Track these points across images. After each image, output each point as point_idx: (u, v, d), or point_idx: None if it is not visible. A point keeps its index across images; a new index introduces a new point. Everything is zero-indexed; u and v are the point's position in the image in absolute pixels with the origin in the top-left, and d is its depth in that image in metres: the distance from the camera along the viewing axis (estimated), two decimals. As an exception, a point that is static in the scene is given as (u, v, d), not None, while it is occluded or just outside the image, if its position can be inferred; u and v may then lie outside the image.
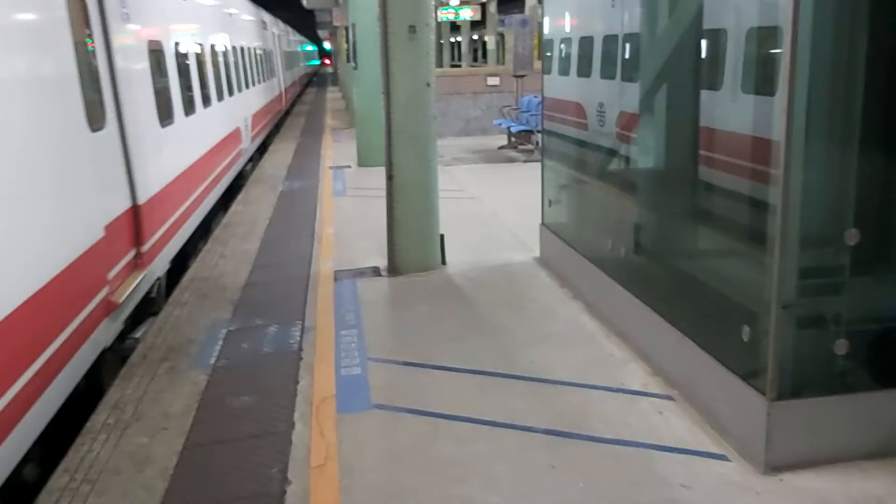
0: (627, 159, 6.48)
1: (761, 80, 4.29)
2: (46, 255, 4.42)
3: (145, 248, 6.33)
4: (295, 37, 42.99)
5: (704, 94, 5.05)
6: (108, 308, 5.33)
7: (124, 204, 6.01)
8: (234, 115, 12.79)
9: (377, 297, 6.71)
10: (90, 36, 5.62)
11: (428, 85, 6.98)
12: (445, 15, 27.95)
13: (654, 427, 4.32)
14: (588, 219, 6.84)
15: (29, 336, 4.10)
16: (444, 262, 7.45)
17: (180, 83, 8.49)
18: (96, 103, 5.58)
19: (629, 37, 6.20)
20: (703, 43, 5.04)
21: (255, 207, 10.75)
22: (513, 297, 6.54)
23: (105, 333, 5.32)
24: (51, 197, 4.59)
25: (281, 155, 16.35)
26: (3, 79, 4.09)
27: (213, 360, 5.46)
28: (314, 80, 61.43)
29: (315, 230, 9.18)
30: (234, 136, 12.43)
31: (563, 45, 8.23)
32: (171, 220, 7.42)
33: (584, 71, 7.57)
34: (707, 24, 4.91)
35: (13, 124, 4.15)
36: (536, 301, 6.42)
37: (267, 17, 23.27)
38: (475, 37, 52.96)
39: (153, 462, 4.17)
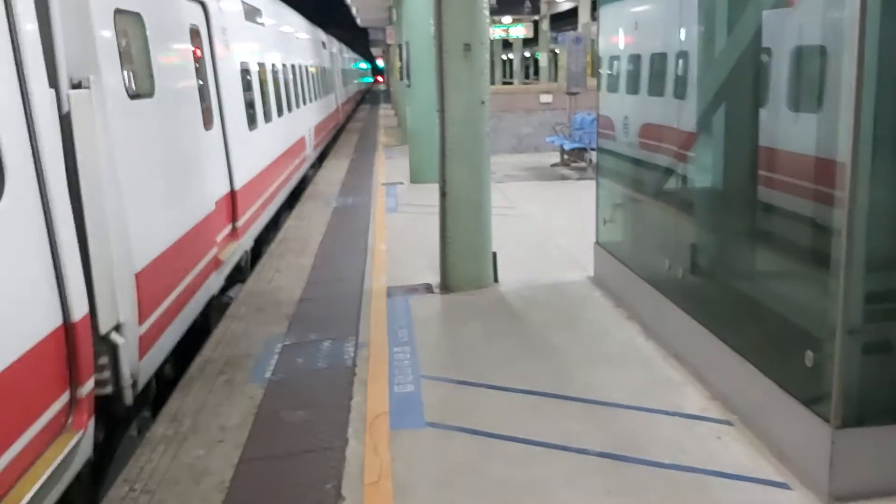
0: (684, 178, 6.40)
1: (822, 98, 4.20)
2: (186, 214, 6.03)
3: (239, 223, 7.98)
4: (349, 54, 43.66)
5: (765, 113, 4.96)
6: (216, 264, 6.89)
7: (226, 188, 7.67)
8: (300, 125, 14.69)
9: (430, 315, 6.73)
10: (201, 59, 7.26)
11: (482, 103, 7.02)
12: (498, 33, 28.06)
13: (712, 453, 4.23)
14: (644, 238, 6.76)
15: (177, 265, 5.66)
16: (496, 280, 7.44)
17: (262, 96, 10.36)
18: (208, 109, 7.21)
19: (685, 54, 6.15)
20: (763, 60, 4.96)
21: (309, 223, 10.90)
22: (566, 317, 6.49)
23: (214, 282, 6.81)
24: (191, 175, 6.29)
25: (335, 171, 16.57)
26: (166, 92, 5.65)
27: (268, 375, 5.54)
28: (367, 98, 62.17)
29: (368, 246, 9.27)
30: (300, 143, 14.34)
31: (619, 63, 8.19)
32: (256, 205, 9.11)
33: (639, 88, 7.52)
34: (767, 42, 4.83)
35: (171, 124, 5.88)
36: (591, 321, 6.36)
37: (325, 37, 25.04)
38: (527, 54, 53.04)
39: (210, 474, 4.24)
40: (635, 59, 7.76)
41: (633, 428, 4.55)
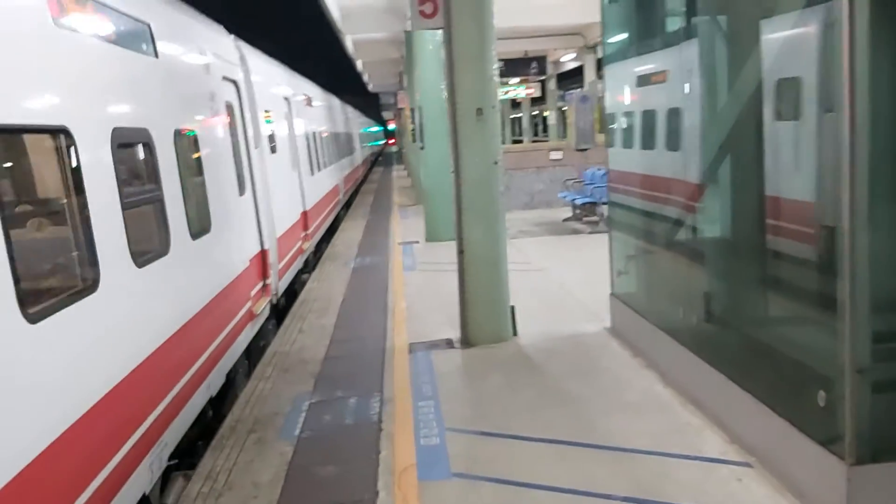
0: (694, 229, 6.59)
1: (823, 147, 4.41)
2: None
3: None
4: (362, 119, 44.65)
5: (769, 164, 5.17)
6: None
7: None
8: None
9: (452, 369, 6.89)
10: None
11: (495, 163, 7.30)
12: (506, 94, 28.68)
13: (733, 494, 4.33)
14: (658, 288, 6.93)
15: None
16: (515, 333, 7.61)
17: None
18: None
19: (692, 109, 6.41)
20: (764, 113, 5.19)
21: (329, 284, 11.14)
22: (586, 367, 6.63)
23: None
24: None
25: (351, 233, 16.90)
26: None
27: (297, 432, 5.70)
28: (380, 160, 63.12)
29: (388, 304, 9.47)
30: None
31: (627, 118, 8.48)
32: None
33: (647, 143, 7.79)
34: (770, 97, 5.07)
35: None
36: (609, 370, 6.50)
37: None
38: (535, 112, 53.91)
39: (246, 529, 4.38)
40: (643, 114, 8.05)
41: (656, 472, 4.66)
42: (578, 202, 15.15)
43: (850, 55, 3.49)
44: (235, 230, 7.39)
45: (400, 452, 5.21)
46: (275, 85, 11.50)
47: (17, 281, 3.31)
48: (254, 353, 7.86)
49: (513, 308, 7.62)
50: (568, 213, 15.93)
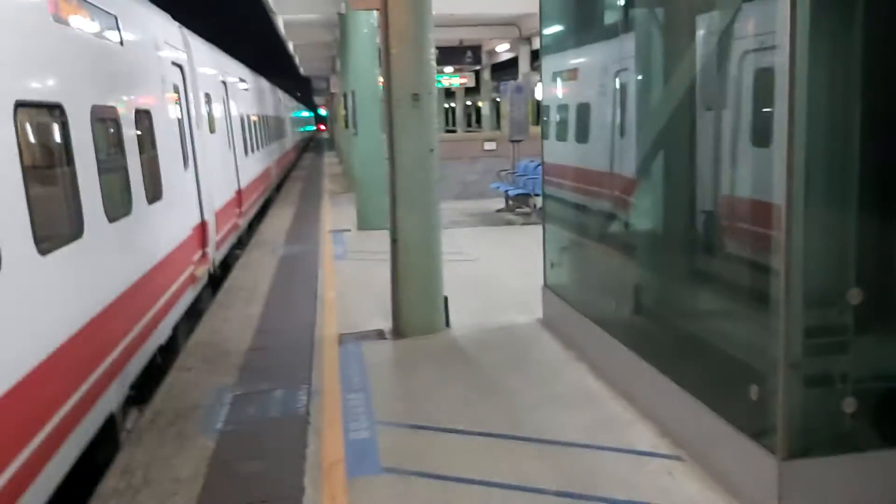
0: (627, 222, 6.61)
1: (759, 143, 4.43)
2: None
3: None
4: (292, 103, 43.96)
5: (701, 157, 5.19)
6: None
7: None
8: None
9: (382, 360, 6.74)
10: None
11: (431, 150, 7.15)
12: (440, 82, 28.56)
13: (664, 488, 4.32)
14: (591, 280, 6.92)
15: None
16: (447, 325, 7.51)
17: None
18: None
19: (626, 102, 6.40)
20: (698, 106, 5.20)
21: (256, 272, 10.82)
22: (518, 359, 6.57)
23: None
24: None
25: (280, 220, 16.51)
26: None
27: (220, 426, 5.46)
28: (310, 146, 62.20)
29: (317, 294, 9.24)
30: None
31: (562, 111, 8.46)
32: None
33: (581, 136, 7.78)
34: (703, 88, 5.07)
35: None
36: (541, 362, 6.46)
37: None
38: (468, 102, 53.98)
39: (163, 529, 4.15)
40: (578, 107, 8.03)
41: (587, 466, 4.62)
42: (511, 193, 15.15)
43: (791, 47, 3.47)
44: (181, 201, 8.22)
45: (328, 447, 5.05)
46: (214, 69, 12.10)
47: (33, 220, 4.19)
48: (193, 317, 8.52)
49: (446, 299, 7.51)
50: (501, 203, 15.93)
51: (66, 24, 5.15)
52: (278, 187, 23.78)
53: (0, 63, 4.13)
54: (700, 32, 5.18)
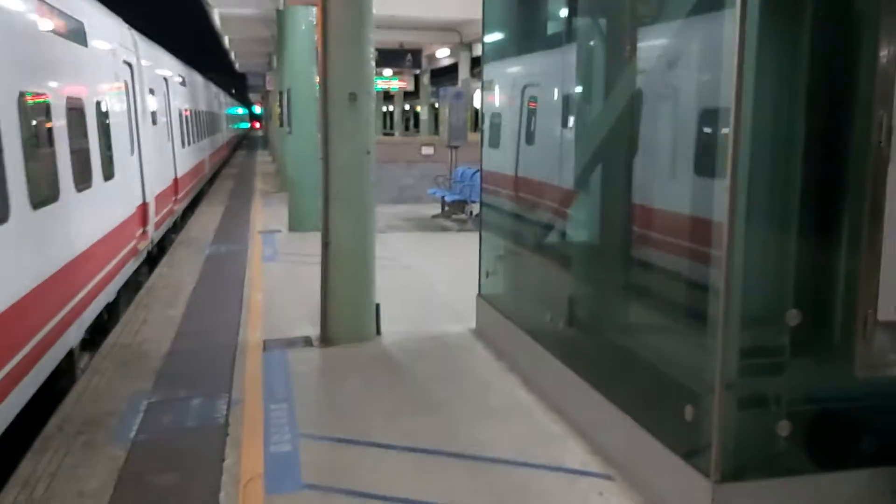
0: (563, 233, 6.54)
1: (702, 161, 4.38)
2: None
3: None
4: (226, 99, 43.13)
5: (639, 172, 5.14)
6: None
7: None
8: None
9: (309, 369, 6.48)
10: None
11: (367, 153, 6.94)
12: (379, 85, 28.31)
13: (595, 509, 4.22)
14: (525, 291, 6.82)
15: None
16: (378, 333, 7.29)
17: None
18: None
19: (564, 114, 6.34)
20: (637, 120, 5.15)
21: (180, 272, 10.40)
22: (449, 370, 6.41)
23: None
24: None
25: (208, 218, 16.00)
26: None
27: (132, 435, 5.14)
28: (244, 143, 61.02)
29: (243, 297, 8.91)
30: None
31: (501, 118, 8.36)
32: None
33: (521, 145, 7.69)
34: (648, 104, 5.02)
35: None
36: (473, 374, 6.31)
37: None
38: (407, 107, 53.79)
39: (62, 549, 3.83)
40: (518, 115, 7.95)
41: (517, 485, 4.48)
42: (448, 199, 15.03)
43: (739, 64, 3.41)
44: (128, 182, 9.48)
45: (247, 460, 4.78)
46: (157, 67, 13.51)
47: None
48: (130, 290, 9.44)
49: (378, 306, 7.30)
50: (437, 209, 15.79)
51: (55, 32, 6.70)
52: (211, 180, 24.10)
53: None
54: (641, 45, 5.14)
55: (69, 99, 6.84)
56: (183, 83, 17.75)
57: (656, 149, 5.03)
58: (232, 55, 35.31)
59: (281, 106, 16.01)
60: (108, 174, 8.26)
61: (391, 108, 48.67)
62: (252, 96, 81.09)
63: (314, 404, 5.72)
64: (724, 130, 3.54)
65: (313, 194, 13.02)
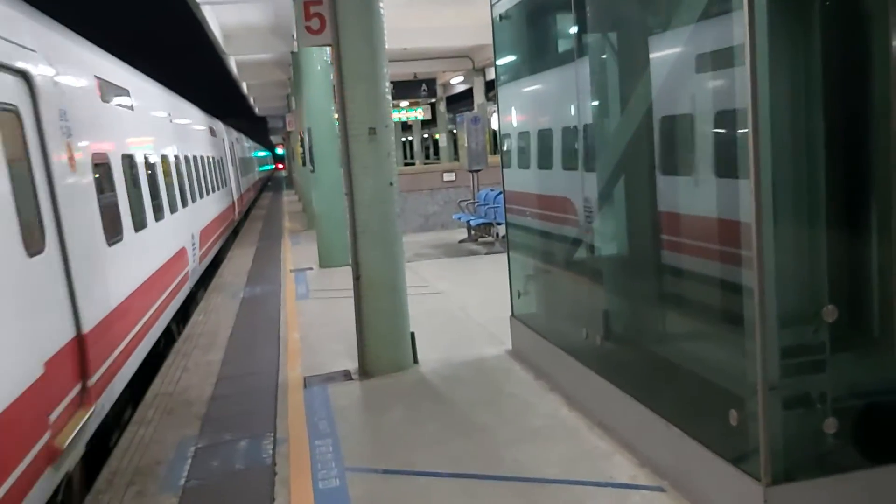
0: (593, 247, 6.53)
1: (724, 163, 4.38)
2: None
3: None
4: (248, 143, 43.74)
5: (666, 180, 5.13)
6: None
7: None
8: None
9: (350, 403, 6.52)
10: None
11: (391, 184, 7.02)
12: (396, 116, 28.60)
13: (648, 522, 4.18)
14: (559, 308, 6.81)
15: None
16: (416, 361, 7.32)
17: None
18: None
19: (583, 129, 6.36)
20: (659, 129, 5.15)
21: (216, 317, 10.53)
22: (489, 394, 6.41)
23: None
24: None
25: (240, 261, 16.21)
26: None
27: (182, 482, 5.20)
28: (269, 185, 61.81)
29: (280, 336, 9.00)
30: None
31: (520, 139, 8.40)
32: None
33: (542, 163, 7.72)
34: (663, 111, 5.03)
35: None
36: (514, 396, 6.30)
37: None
38: (426, 135, 54.18)
39: None
40: (537, 134, 7.98)
41: (568, 503, 4.46)
42: (473, 223, 15.08)
43: (752, 60, 3.42)
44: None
45: (297, 499, 4.81)
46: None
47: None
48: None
49: (413, 334, 7.33)
50: (463, 234, 15.84)
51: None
52: (235, 231, 21.97)
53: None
54: (654, 54, 5.16)
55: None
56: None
57: (680, 155, 5.03)
58: (251, 100, 35.91)
59: (303, 145, 16.24)
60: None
61: (410, 137, 49.00)
62: (273, 138, 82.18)
63: (358, 437, 5.74)
64: (742, 131, 3.54)
65: (340, 230, 13.22)
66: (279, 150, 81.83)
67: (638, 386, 5.02)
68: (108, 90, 7.84)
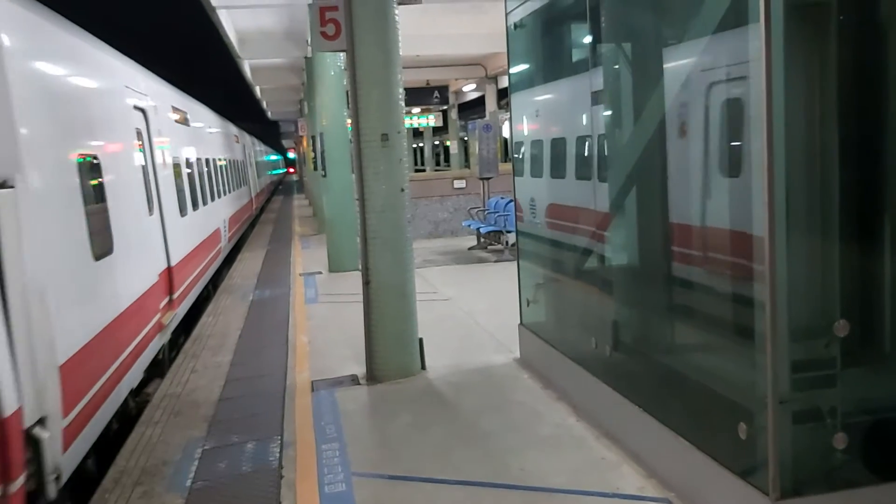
0: (603, 257, 6.52)
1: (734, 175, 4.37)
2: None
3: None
4: (261, 147, 44.04)
5: (678, 191, 5.12)
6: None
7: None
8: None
9: (357, 407, 6.52)
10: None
11: (402, 190, 7.03)
12: (408, 123, 28.68)
13: (655, 533, 4.16)
14: (568, 318, 6.80)
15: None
16: (423, 367, 7.32)
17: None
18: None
19: (596, 138, 6.36)
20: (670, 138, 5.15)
21: (225, 318, 10.56)
22: (497, 401, 6.40)
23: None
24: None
25: (250, 263, 16.26)
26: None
27: (189, 482, 5.21)
28: (280, 189, 62.01)
29: (289, 339, 9.01)
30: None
31: (536, 147, 8.40)
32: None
33: (555, 172, 7.72)
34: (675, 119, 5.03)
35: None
36: (521, 404, 6.29)
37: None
38: (437, 142, 54.27)
39: None
40: (550, 143, 7.99)
41: (574, 513, 4.45)
42: (483, 231, 15.08)
43: (767, 72, 3.42)
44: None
45: (303, 502, 4.82)
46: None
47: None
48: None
49: (421, 341, 7.34)
50: (473, 241, 15.85)
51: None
52: (244, 236, 22.36)
53: None
54: (668, 65, 5.16)
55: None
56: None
57: (692, 165, 5.02)
58: (264, 104, 36.06)
59: (314, 150, 16.29)
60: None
61: (421, 144, 49.10)
62: (285, 142, 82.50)
63: (365, 442, 5.74)
64: (756, 143, 3.54)
65: (351, 235, 13.26)
66: (291, 154, 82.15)
67: (647, 397, 5.00)
68: (177, 114, 11.58)
